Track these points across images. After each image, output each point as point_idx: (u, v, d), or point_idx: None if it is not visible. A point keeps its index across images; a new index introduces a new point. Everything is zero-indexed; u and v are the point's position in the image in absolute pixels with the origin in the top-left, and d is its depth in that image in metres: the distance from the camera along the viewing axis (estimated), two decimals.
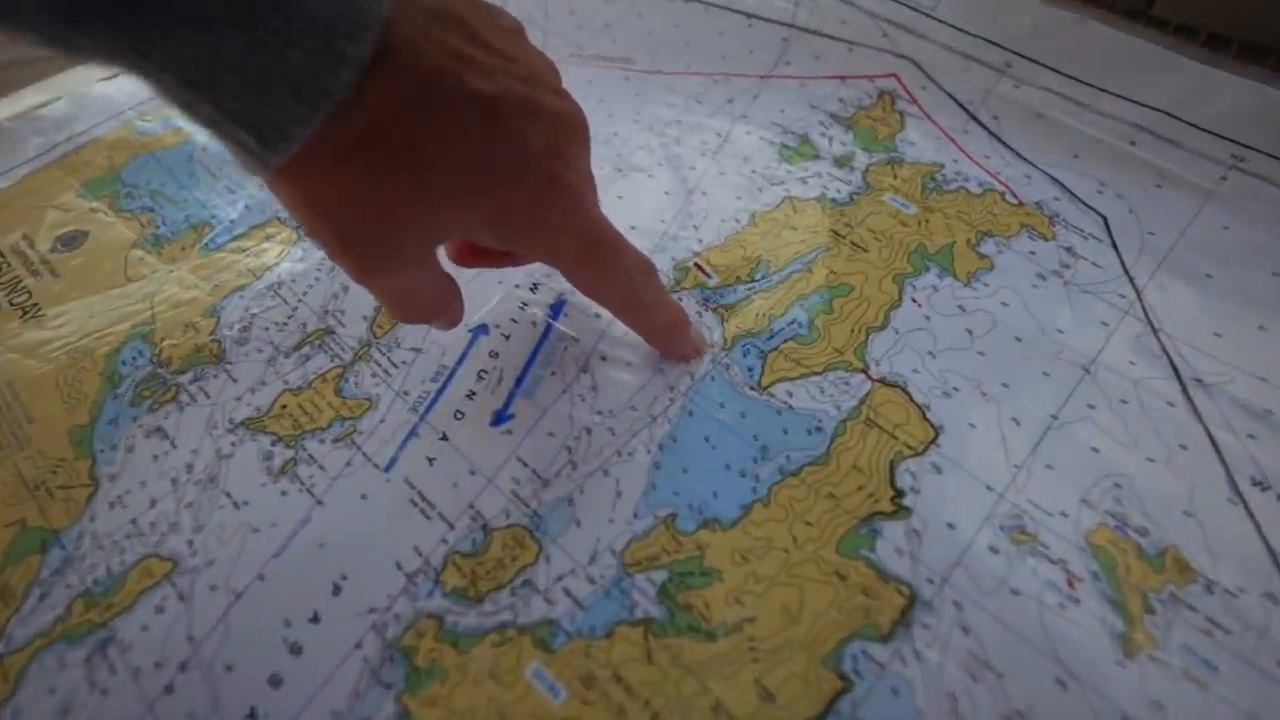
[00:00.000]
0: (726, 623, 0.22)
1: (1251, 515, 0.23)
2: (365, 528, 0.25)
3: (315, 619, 0.23)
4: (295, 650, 0.22)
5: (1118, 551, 0.22)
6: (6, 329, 0.32)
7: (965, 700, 0.20)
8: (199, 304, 0.32)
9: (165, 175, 0.38)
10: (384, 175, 0.18)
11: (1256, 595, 0.21)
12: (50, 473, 0.27)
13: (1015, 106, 0.35)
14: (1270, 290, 0.28)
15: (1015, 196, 0.32)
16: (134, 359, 0.30)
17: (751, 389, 0.26)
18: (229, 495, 0.26)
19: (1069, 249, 0.30)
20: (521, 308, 0.29)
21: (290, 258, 0.33)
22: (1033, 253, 0.30)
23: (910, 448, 0.25)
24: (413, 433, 0.27)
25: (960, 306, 0.29)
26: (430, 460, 0.26)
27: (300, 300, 0.31)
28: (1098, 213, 0.31)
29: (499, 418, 0.27)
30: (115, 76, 0.42)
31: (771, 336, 0.28)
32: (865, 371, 0.27)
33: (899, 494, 0.24)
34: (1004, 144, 0.34)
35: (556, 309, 0.29)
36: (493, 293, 0.30)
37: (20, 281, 0.33)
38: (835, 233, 0.31)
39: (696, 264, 0.31)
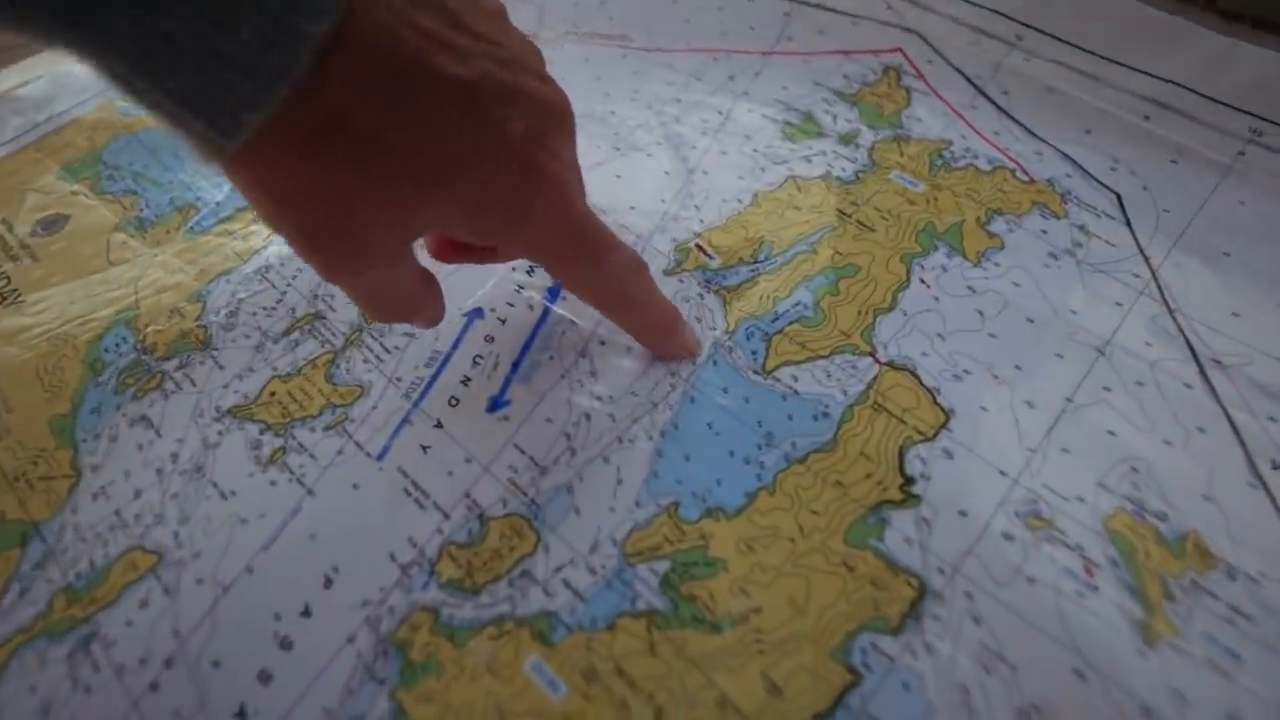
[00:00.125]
0: (732, 614, 0.21)
1: (1273, 499, 0.22)
2: (357, 518, 0.24)
3: (306, 612, 0.22)
4: (285, 645, 0.22)
5: (1136, 537, 0.21)
6: None
7: (978, 693, 0.19)
8: (184, 289, 0.31)
9: (148, 156, 0.36)
10: (349, 165, 0.17)
11: None
12: (30, 463, 0.26)
13: (1025, 81, 0.34)
14: None
15: (1026, 173, 0.31)
16: (117, 346, 0.29)
17: (755, 373, 0.26)
18: (216, 485, 0.25)
19: (1081, 227, 0.29)
20: (517, 291, 0.29)
21: (278, 241, 0.32)
22: (1044, 231, 0.29)
23: (920, 433, 0.24)
24: (406, 420, 0.26)
25: (970, 287, 0.28)
26: (424, 448, 0.25)
27: (289, 284, 0.30)
28: (1111, 190, 0.30)
29: (495, 404, 0.26)
30: None
31: (775, 319, 0.27)
32: (873, 354, 0.26)
33: (908, 481, 0.23)
34: (1014, 120, 0.33)
35: (554, 292, 0.28)
36: (487, 276, 0.29)
37: None
38: (841, 212, 0.30)
39: (698, 245, 0.30)
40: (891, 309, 0.27)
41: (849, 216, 0.30)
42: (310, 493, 0.24)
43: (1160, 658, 0.19)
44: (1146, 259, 0.28)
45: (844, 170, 0.32)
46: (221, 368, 0.28)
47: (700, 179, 0.32)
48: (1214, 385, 0.25)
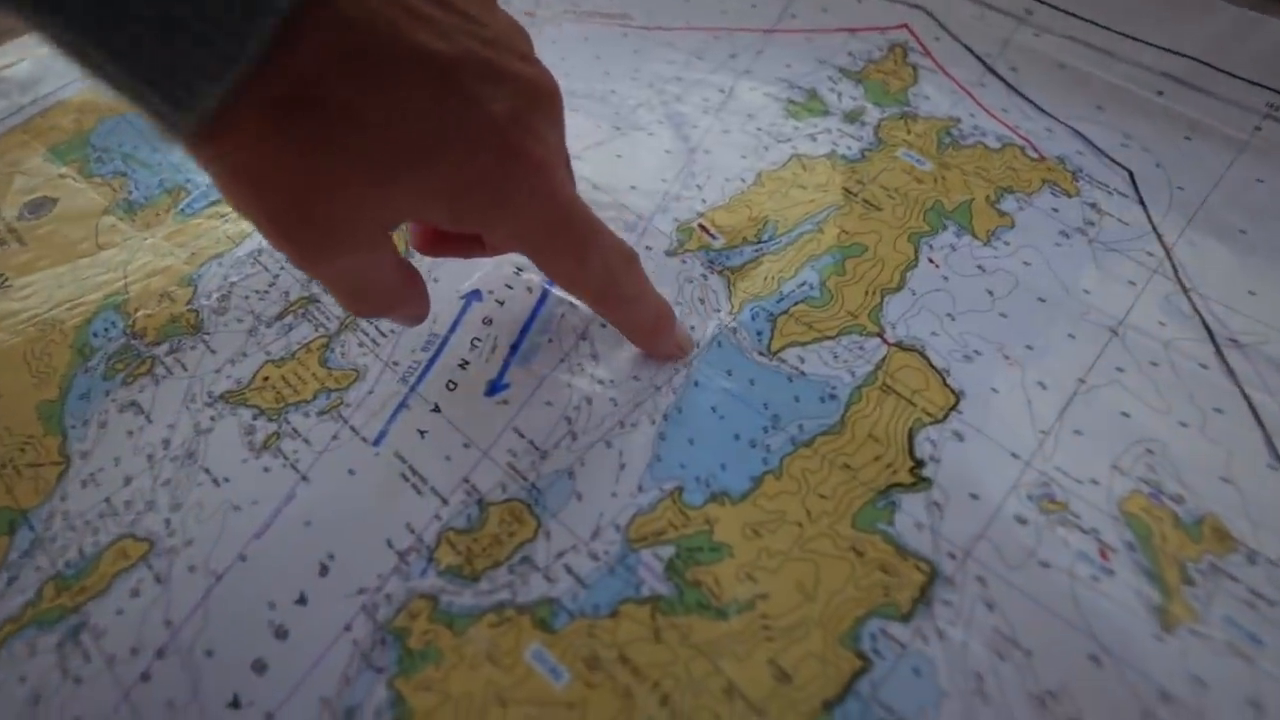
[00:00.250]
0: (738, 600, 0.20)
1: None
2: (354, 504, 0.23)
3: (301, 600, 0.21)
4: (280, 634, 0.21)
5: (1153, 520, 0.21)
6: None
7: (992, 680, 0.19)
8: (175, 272, 0.30)
9: (137, 138, 0.36)
10: (320, 143, 0.16)
11: None
12: (18, 450, 0.25)
13: (1035, 56, 0.33)
14: None
15: (1036, 151, 0.30)
16: (106, 330, 0.28)
17: (761, 354, 0.25)
18: (208, 472, 0.24)
19: (1093, 205, 0.29)
20: (516, 272, 0.28)
21: None
22: (1055, 210, 0.29)
23: (930, 414, 0.23)
24: (403, 404, 0.25)
25: (980, 266, 0.27)
26: (422, 433, 0.24)
27: (282, 267, 0.30)
28: (1123, 167, 0.30)
29: (494, 387, 0.25)
30: None
31: (781, 299, 0.26)
32: (881, 335, 0.25)
33: (918, 464, 0.22)
34: (1023, 96, 0.32)
35: None
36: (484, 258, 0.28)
37: None
38: (847, 190, 0.30)
39: (701, 225, 0.29)
40: (900, 289, 0.26)
41: (855, 195, 0.29)
42: (305, 479, 0.24)
43: (1179, 642, 0.19)
44: (1160, 237, 0.27)
45: (850, 148, 0.31)
46: (213, 352, 0.27)
47: (702, 158, 0.32)
48: (1231, 365, 0.24)
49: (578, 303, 0.27)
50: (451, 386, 0.25)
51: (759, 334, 0.25)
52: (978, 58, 0.34)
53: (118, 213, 0.33)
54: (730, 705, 0.19)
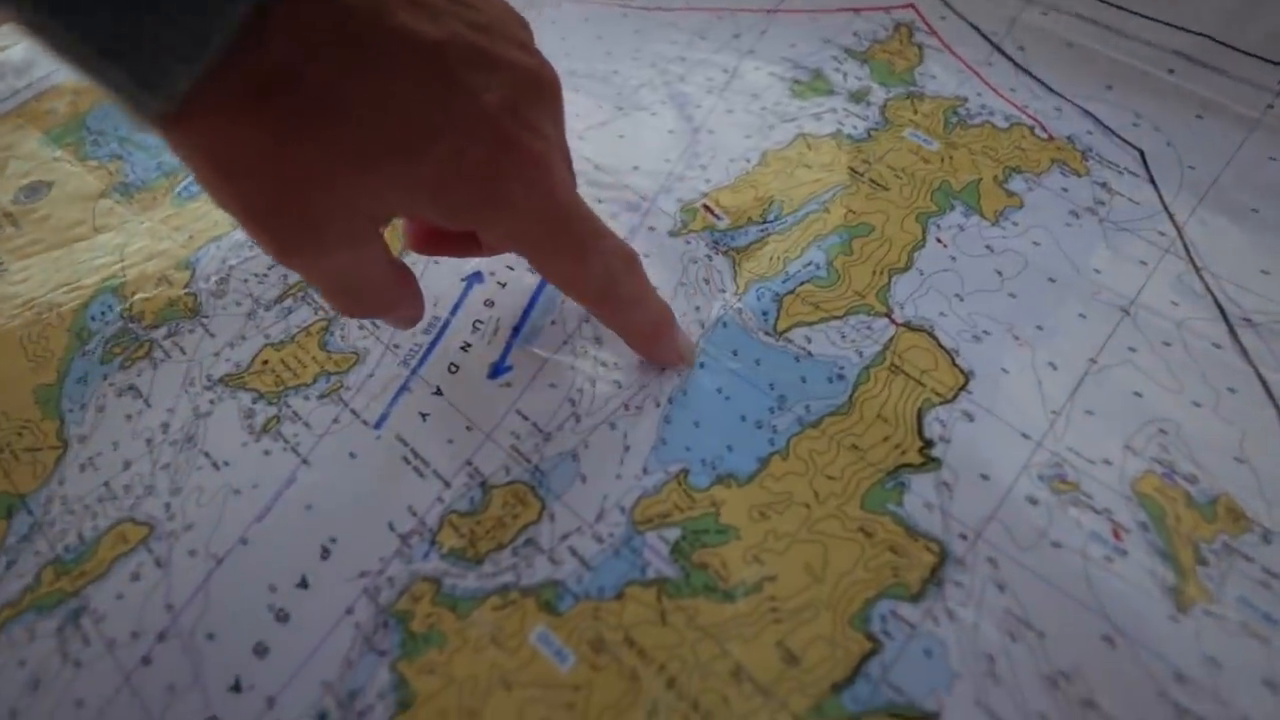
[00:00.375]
0: (745, 582, 0.20)
1: None
2: (355, 488, 0.23)
3: (303, 584, 0.21)
4: (282, 617, 0.21)
5: (1166, 500, 0.21)
6: None
7: (1004, 661, 0.19)
8: (172, 255, 0.30)
9: None
10: (300, 130, 0.15)
11: None
12: (15, 434, 0.25)
13: (1043, 35, 0.32)
14: None
15: (1045, 131, 0.30)
16: (103, 314, 0.28)
17: (767, 335, 0.25)
18: (208, 455, 0.24)
19: (1103, 185, 0.28)
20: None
21: None
22: (1065, 189, 0.28)
23: (939, 395, 0.23)
24: (404, 387, 0.25)
25: (988, 246, 0.27)
26: (423, 416, 0.24)
27: (279, 264, 0.29)
28: (1133, 146, 0.29)
29: (496, 370, 0.25)
30: None
31: (787, 279, 0.26)
32: (889, 315, 0.25)
33: (928, 444, 0.22)
34: (1031, 76, 0.32)
35: None
36: None
37: None
38: (853, 170, 0.29)
39: (705, 205, 0.29)
40: (907, 269, 0.26)
41: (861, 175, 0.29)
42: (305, 462, 0.24)
43: (1193, 623, 0.19)
44: (1171, 216, 0.27)
45: (855, 128, 0.31)
46: (212, 335, 0.27)
47: (706, 138, 0.31)
48: (1244, 344, 0.24)
49: None
50: (453, 369, 0.25)
51: (765, 314, 0.25)
52: (984, 36, 0.33)
53: (114, 196, 0.32)
54: (738, 687, 0.19)
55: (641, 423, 0.23)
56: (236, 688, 0.20)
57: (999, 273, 0.26)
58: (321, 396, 0.25)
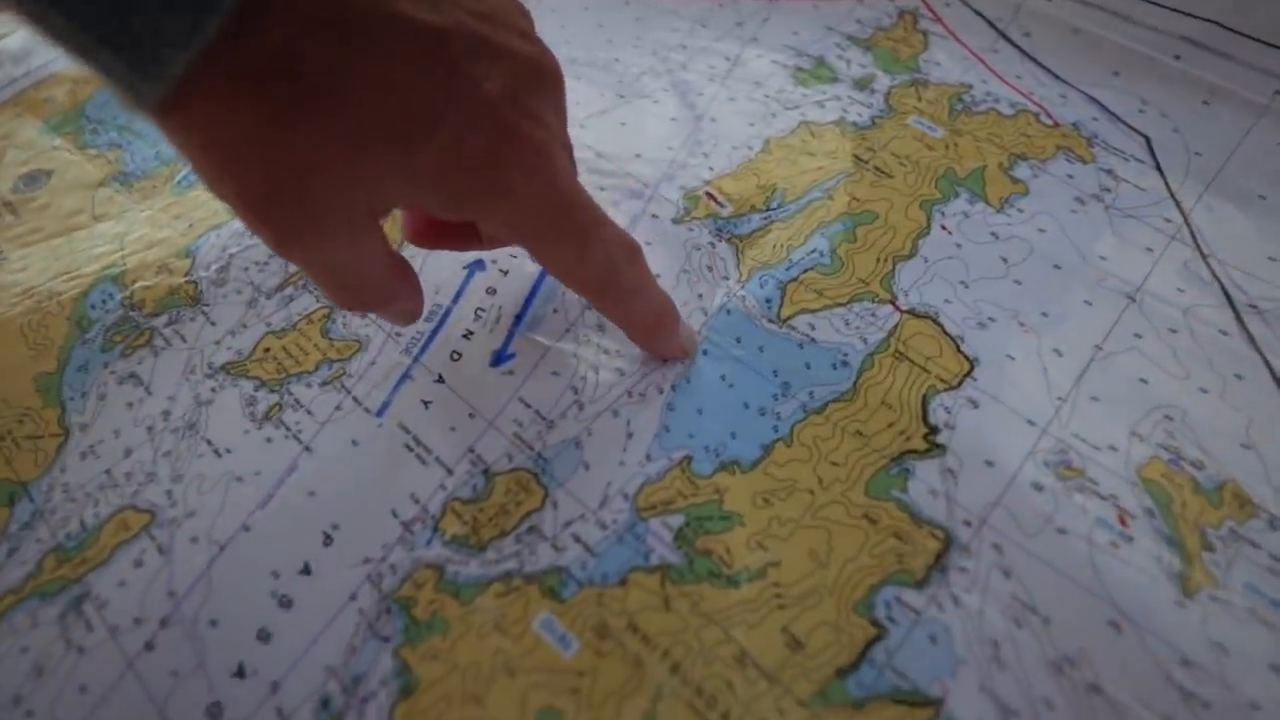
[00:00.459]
0: (749, 568, 0.20)
1: None
2: (357, 475, 0.23)
3: (306, 571, 0.21)
4: (285, 604, 0.21)
5: (1172, 486, 0.20)
6: None
7: (1009, 647, 0.19)
8: (172, 244, 0.29)
9: None
10: (297, 117, 0.15)
11: None
12: (16, 422, 0.25)
13: (1048, 22, 0.32)
14: None
15: (1050, 117, 0.30)
16: (104, 302, 0.28)
17: (770, 322, 0.25)
18: (209, 443, 0.24)
19: (1109, 171, 0.28)
20: None
21: None
22: (1070, 176, 0.28)
23: (944, 381, 0.23)
24: (406, 375, 0.25)
25: (993, 233, 0.26)
26: (425, 403, 0.24)
27: (277, 255, 0.29)
28: (1140, 133, 0.29)
29: (499, 358, 0.25)
30: None
31: (790, 267, 0.26)
32: (893, 302, 0.25)
33: (932, 431, 0.22)
34: (1037, 63, 0.32)
35: None
36: None
37: None
38: (857, 158, 0.29)
39: (708, 193, 0.28)
40: (912, 256, 0.26)
41: (866, 162, 0.29)
42: (308, 449, 0.23)
43: (1199, 608, 0.19)
44: (1178, 203, 0.27)
45: (859, 115, 0.31)
46: (213, 324, 0.27)
47: (709, 125, 0.31)
48: (1251, 331, 0.23)
49: None
50: (455, 357, 0.25)
51: (768, 301, 0.25)
52: (990, 23, 0.33)
53: (114, 185, 0.32)
54: (742, 673, 0.19)
55: (644, 410, 0.23)
56: (240, 673, 0.20)
57: (1004, 259, 0.26)
58: (323, 384, 0.25)
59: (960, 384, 0.23)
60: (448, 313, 0.26)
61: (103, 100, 0.35)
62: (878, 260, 0.26)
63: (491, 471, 0.22)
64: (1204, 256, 0.25)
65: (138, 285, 0.28)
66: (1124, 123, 0.29)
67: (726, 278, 0.26)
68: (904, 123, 0.30)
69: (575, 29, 0.36)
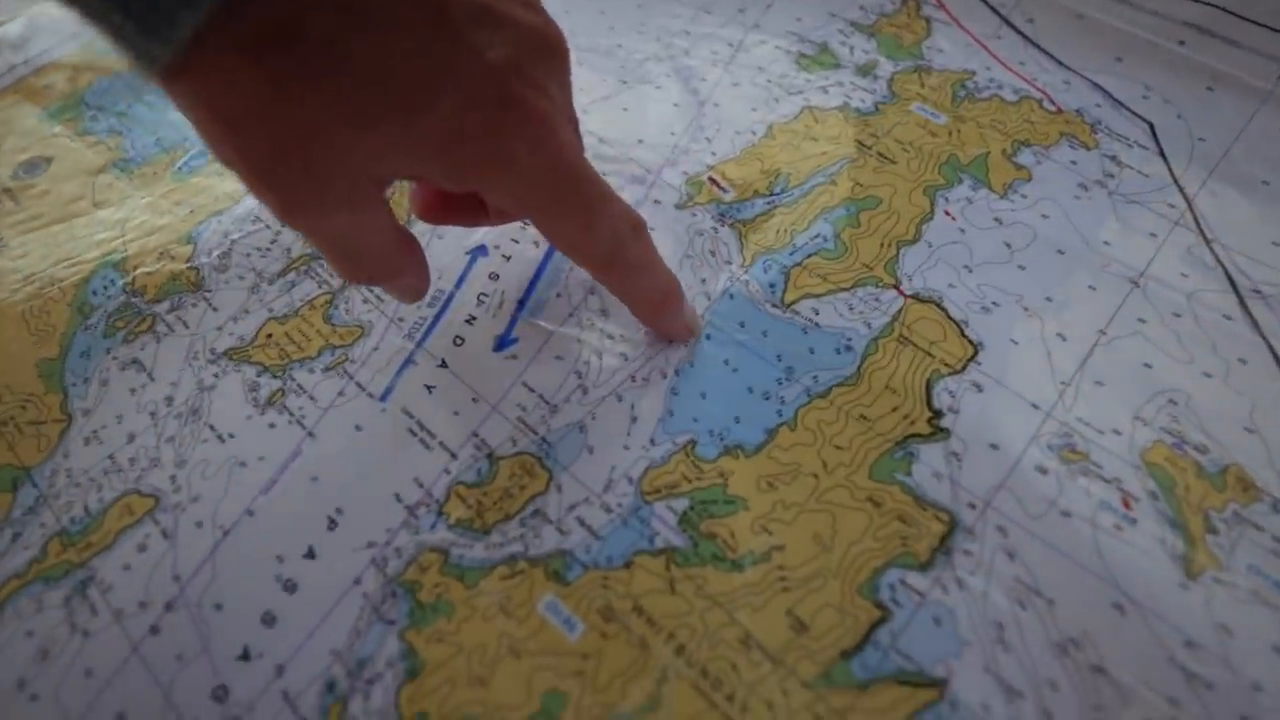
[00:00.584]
0: (754, 551, 0.20)
1: None
2: (361, 459, 0.23)
3: (310, 555, 0.21)
4: (289, 587, 0.21)
5: (1176, 470, 0.20)
6: None
7: (1013, 628, 0.19)
8: (173, 230, 0.29)
9: (132, 97, 0.35)
10: (297, 82, 0.15)
11: None
12: (18, 408, 0.25)
13: (1051, 8, 0.32)
14: None
15: (1053, 104, 0.30)
16: (105, 289, 0.28)
17: (774, 306, 0.24)
18: (213, 428, 0.24)
19: (1113, 158, 0.28)
20: (523, 227, 0.27)
21: None
22: (1074, 162, 0.28)
23: (948, 365, 0.23)
24: (409, 360, 0.25)
25: (997, 219, 0.26)
26: (429, 388, 0.24)
27: (283, 224, 0.29)
28: (1143, 119, 0.29)
29: (502, 342, 0.25)
30: None
31: (794, 251, 0.26)
32: (897, 287, 0.25)
33: (937, 414, 0.22)
34: (1040, 49, 0.32)
35: None
36: None
37: None
38: (860, 143, 0.29)
39: (711, 178, 0.28)
40: (915, 241, 0.26)
41: (869, 148, 0.29)
42: (311, 434, 0.23)
43: (1203, 590, 0.19)
44: (1181, 189, 0.27)
45: (862, 101, 0.31)
46: (215, 310, 0.27)
47: (711, 111, 0.31)
48: (1254, 316, 0.23)
49: None
50: (458, 342, 0.25)
51: (771, 286, 0.25)
52: (993, 9, 0.33)
53: (114, 172, 0.32)
54: (747, 655, 0.19)
55: (648, 394, 0.23)
56: (245, 656, 0.20)
57: (1008, 245, 0.26)
58: (326, 370, 0.25)
59: (964, 368, 0.23)
60: (450, 298, 0.26)
61: (102, 87, 0.35)
62: (881, 245, 0.26)
63: (495, 455, 0.22)
64: (1208, 242, 0.25)
65: (139, 271, 0.28)
66: (1127, 109, 0.29)
67: (729, 262, 0.26)
68: (907, 109, 0.30)
69: (578, 15, 0.36)
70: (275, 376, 0.25)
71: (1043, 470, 0.21)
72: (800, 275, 0.25)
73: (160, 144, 0.33)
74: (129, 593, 0.21)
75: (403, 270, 0.21)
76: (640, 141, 0.30)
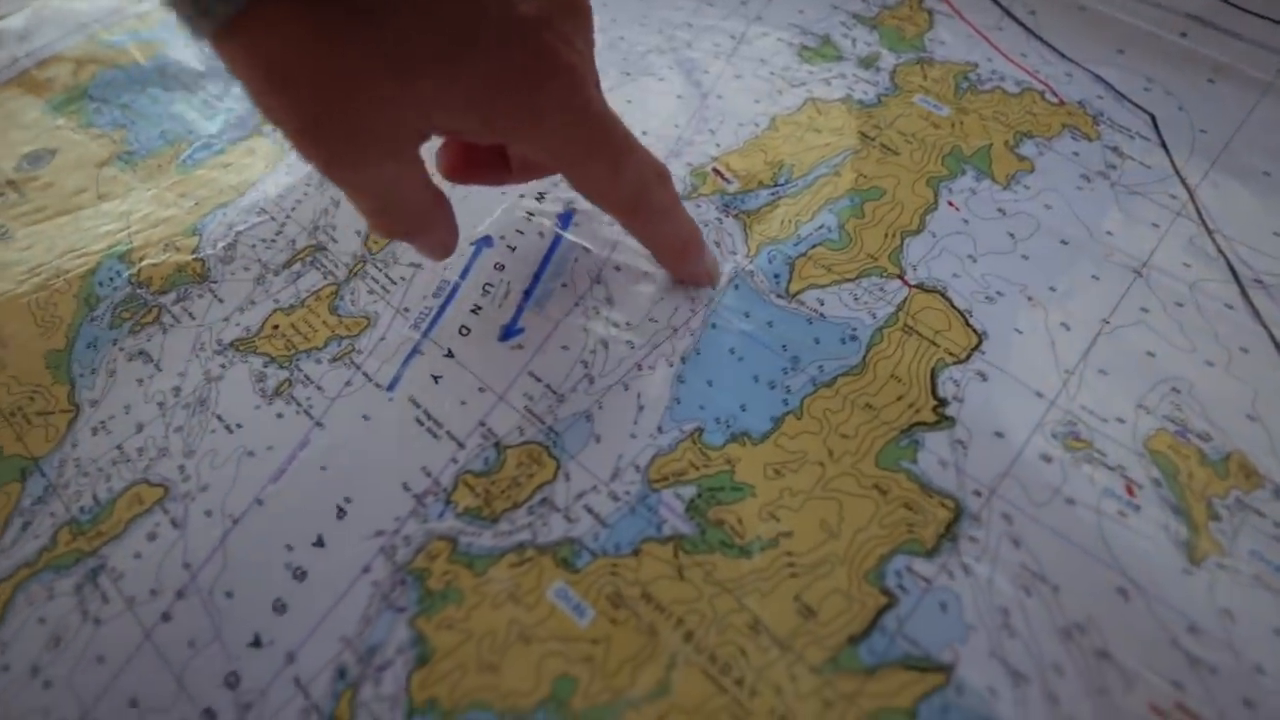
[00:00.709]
0: (761, 538, 0.20)
1: None
2: (369, 449, 0.23)
3: (319, 543, 0.21)
4: (299, 575, 0.21)
5: (1179, 457, 0.21)
6: None
7: (1018, 614, 0.19)
8: (178, 222, 0.29)
9: (136, 89, 0.35)
10: (346, 36, 0.16)
11: None
12: (26, 399, 0.25)
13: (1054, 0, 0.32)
14: None
15: (1056, 95, 0.30)
16: (111, 280, 0.28)
17: (779, 297, 0.25)
18: (220, 418, 0.24)
19: (1115, 149, 0.28)
20: (528, 218, 0.27)
21: (276, 172, 0.31)
22: (1076, 154, 0.28)
23: (952, 354, 0.23)
24: (415, 350, 0.25)
25: (1000, 210, 0.27)
26: (436, 378, 0.24)
27: (288, 216, 0.29)
28: (1145, 111, 0.29)
29: (508, 332, 0.25)
30: None
31: (798, 242, 0.26)
32: (901, 277, 0.25)
33: (941, 403, 0.22)
34: (1042, 41, 0.32)
35: (565, 218, 0.27)
36: (495, 203, 0.28)
37: None
38: (863, 135, 0.29)
39: (715, 169, 0.28)
40: (919, 231, 0.26)
41: (872, 140, 0.29)
42: (319, 424, 0.24)
43: (1207, 575, 0.19)
44: (1183, 180, 0.27)
45: (865, 93, 0.31)
46: (221, 301, 0.27)
47: (715, 103, 0.31)
48: (1256, 305, 0.24)
49: (591, 247, 0.26)
50: (465, 332, 0.25)
51: (776, 277, 0.25)
52: (995, 1, 0.33)
53: (118, 164, 0.32)
54: (755, 640, 0.19)
55: (655, 382, 0.23)
56: (256, 643, 0.20)
57: (1011, 235, 0.26)
58: (333, 360, 0.25)
59: (969, 357, 0.23)
60: (456, 288, 0.26)
61: (106, 80, 0.35)
62: (886, 235, 0.26)
63: (503, 444, 0.22)
64: (1209, 232, 0.26)
65: (145, 263, 0.28)
66: (1129, 100, 0.29)
67: (734, 253, 0.26)
68: (909, 101, 0.30)
69: None
70: (282, 367, 0.25)
71: (1047, 458, 0.21)
72: (805, 266, 0.25)
73: (164, 137, 0.33)
74: (140, 580, 0.21)
75: (435, 224, 0.22)
76: (644, 133, 0.30)
